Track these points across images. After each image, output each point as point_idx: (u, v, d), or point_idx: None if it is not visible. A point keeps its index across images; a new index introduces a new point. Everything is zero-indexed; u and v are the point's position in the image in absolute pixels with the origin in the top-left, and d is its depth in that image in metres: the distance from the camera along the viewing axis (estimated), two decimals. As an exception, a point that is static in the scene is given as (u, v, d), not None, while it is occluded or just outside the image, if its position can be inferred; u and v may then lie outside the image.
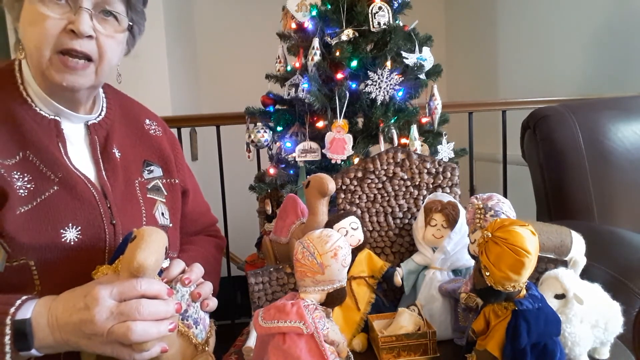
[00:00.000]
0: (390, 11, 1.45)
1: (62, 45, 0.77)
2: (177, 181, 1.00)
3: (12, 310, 0.65)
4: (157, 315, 0.66)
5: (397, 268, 0.91)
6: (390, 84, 1.41)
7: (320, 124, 1.45)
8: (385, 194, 0.98)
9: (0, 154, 0.77)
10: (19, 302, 0.66)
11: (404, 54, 1.45)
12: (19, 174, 0.77)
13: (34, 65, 0.81)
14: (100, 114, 0.92)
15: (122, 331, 0.63)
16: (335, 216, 0.90)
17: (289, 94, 1.53)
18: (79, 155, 0.86)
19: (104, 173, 0.87)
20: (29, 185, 0.77)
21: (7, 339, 0.63)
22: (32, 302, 0.68)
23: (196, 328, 0.73)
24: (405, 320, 0.80)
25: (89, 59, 0.80)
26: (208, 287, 0.77)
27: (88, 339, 0.65)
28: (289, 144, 1.49)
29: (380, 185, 0.98)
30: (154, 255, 0.66)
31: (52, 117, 0.84)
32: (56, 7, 0.77)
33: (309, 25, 1.49)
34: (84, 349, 0.67)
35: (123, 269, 0.67)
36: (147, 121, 1.02)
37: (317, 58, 1.43)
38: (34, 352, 0.66)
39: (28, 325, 0.65)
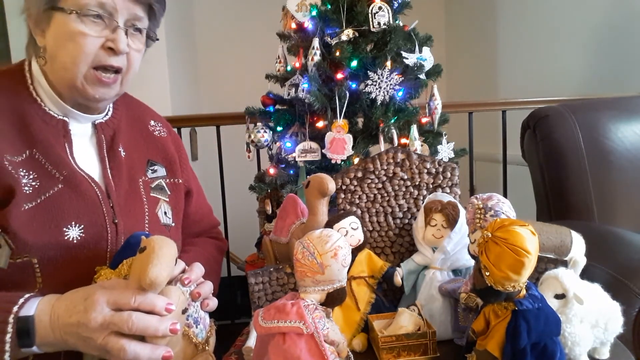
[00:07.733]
0: (390, 11, 1.45)
1: (99, 62, 0.81)
2: (180, 181, 1.01)
3: (16, 308, 0.65)
4: (147, 331, 0.65)
5: (397, 268, 0.91)
6: (390, 84, 1.41)
7: (320, 124, 1.45)
8: (385, 194, 0.98)
9: (9, 151, 0.78)
10: (22, 300, 0.67)
11: (404, 54, 1.45)
12: (24, 171, 0.78)
13: (64, 77, 0.82)
14: (107, 114, 0.94)
15: (117, 347, 0.64)
16: (335, 216, 0.90)
17: (289, 94, 1.53)
18: (85, 154, 0.88)
19: (109, 171, 0.88)
20: (34, 183, 0.78)
21: (8, 337, 0.64)
22: (35, 299, 0.68)
23: (196, 327, 0.73)
24: (405, 320, 0.80)
25: (118, 71, 0.84)
26: (208, 287, 0.77)
27: (84, 341, 0.66)
28: (289, 144, 1.49)
29: (380, 185, 0.98)
30: (165, 271, 0.66)
31: (61, 117, 0.85)
32: (93, 25, 0.80)
33: (309, 25, 1.48)
34: (81, 350, 0.68)
35: (133, 280, 0.67)
36: (152, 122, 1.04)
37: (317, 58, 1.43)
38: (35, 349, 0.67)
39: (31, 322, 0.65)
